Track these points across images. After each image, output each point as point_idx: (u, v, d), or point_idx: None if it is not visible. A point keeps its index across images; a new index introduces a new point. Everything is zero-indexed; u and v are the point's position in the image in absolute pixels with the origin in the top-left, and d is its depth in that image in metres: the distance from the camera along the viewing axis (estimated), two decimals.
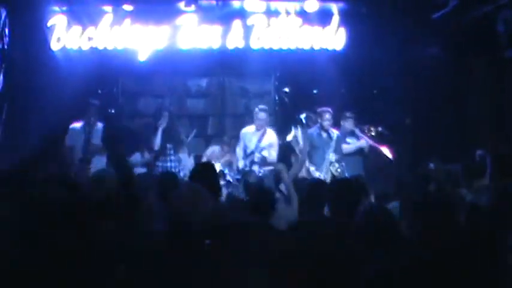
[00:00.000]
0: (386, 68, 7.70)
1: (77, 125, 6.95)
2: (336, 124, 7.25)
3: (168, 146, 7.17)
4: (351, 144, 7.24)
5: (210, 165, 4.58)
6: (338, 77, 7.87)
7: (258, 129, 7.07)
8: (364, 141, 7.17)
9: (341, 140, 7.17)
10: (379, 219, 2.80)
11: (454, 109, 7.80)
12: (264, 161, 6.83)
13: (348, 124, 7.24)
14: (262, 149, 6.95)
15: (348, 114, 7.27)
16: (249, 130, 7.17)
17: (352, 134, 7.26)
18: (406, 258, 1.86)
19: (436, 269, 2.15)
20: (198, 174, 4.19)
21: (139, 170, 7.19)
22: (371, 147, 7.14)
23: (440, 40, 7.78)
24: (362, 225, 2.81)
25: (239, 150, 7.14)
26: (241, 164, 6.94)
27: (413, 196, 3.52)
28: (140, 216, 3.23)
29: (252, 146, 6.99)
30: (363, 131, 7.18)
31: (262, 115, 7.04)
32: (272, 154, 6.99)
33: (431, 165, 6.36)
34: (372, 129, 7.18)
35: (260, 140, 7.02)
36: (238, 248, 2.62)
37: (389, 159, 7.12)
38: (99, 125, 6.99)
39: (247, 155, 6.96)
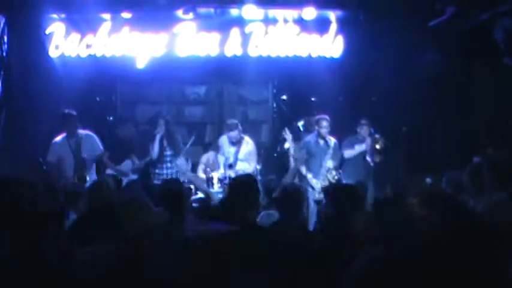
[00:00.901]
0: (384, 76, 7.69)
1: (58, 138, 6.70)
2: (345, 131, 7.27)
3: (166, 153, 7.18)
4: (352, 149, 7.22)
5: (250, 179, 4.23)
6: (336, 85, 7.86)
7: (232, 144, 7.04)
8: (364, 146, 7.18)
9: (346, 146, 7.20)
10: None
11: (452, 116, 7.77)
12: None
13: (364, 131, 7.23)
14: (241, 161, 6.97)
15: (363, 121, 7.28)
16: (225, 139, 7.16)
17: (364, 141, 7.24)
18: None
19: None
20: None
21: (131, 177, 7.22)
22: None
23: (438, 47, 7.77)
24: None
25: (220, 157, 7.13)
26: (221, 171, 6.92)
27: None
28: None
29: (230, 157, 7.01)
30: (373, 140, 7.16)
31: (233, 134, 6.98)
32: (251, 164, 7.01)
33: (428, 180, 6.34)
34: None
35: (238, 152, 7.03)
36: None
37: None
38: (84, 134, 6.73)
39: (226, 165, 6.96)
